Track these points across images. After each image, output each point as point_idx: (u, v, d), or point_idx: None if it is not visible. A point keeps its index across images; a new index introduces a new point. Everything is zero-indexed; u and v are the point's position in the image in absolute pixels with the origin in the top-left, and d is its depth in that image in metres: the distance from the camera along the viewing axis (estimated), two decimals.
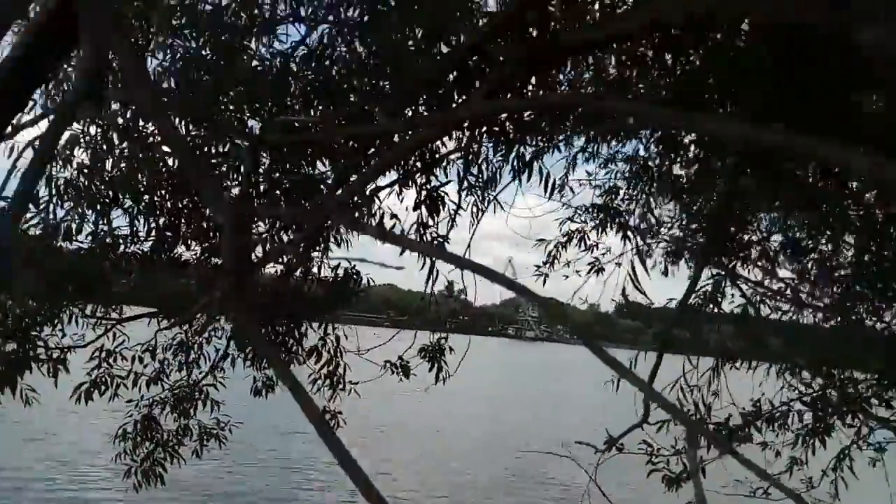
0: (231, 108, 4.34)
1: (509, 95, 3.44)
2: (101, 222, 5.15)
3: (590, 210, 6.87)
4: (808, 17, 2.38)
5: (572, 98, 2.79)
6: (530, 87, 4.04)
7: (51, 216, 5.08)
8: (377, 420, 21.34)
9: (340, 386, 6.42)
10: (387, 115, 3.66)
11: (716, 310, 6.02)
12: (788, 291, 5.83)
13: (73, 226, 5.21)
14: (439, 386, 6.10)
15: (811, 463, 6.36)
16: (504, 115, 5.46)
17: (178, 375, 6.64)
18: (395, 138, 3.41)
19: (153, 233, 5.36)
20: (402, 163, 5.53)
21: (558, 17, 3.61)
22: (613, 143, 6.37)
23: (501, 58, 2.90)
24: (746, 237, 6.01)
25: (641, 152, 6.27)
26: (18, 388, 5.72)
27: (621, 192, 6.82)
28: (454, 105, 3.46)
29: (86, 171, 5.03)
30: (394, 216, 5.30)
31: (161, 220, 5.29)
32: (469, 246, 6.28)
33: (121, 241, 5.42)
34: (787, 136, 1.98)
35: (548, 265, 7.30)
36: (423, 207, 5.12)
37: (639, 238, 6.34)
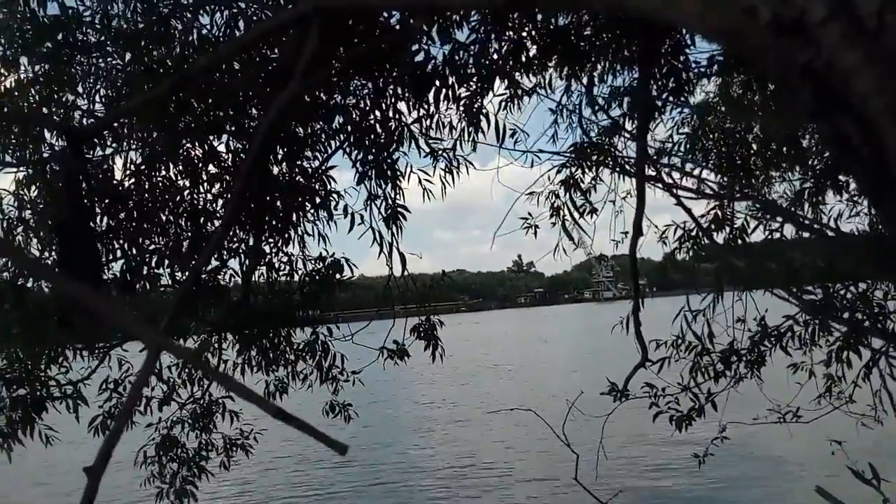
0: None
1: None
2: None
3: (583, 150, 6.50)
4: None
5: None
6: None
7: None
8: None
9: (344, 378, 6.31)
10: None
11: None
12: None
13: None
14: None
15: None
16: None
17: (188, 393, 6.70)
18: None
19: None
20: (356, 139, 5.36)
21: None
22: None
23: None
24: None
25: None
26: (37, 429, 5.89)
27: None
28: None
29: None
30: (334, 192, 5.14)
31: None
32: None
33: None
34: None
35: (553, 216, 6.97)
36: (367, 181, 4.94)
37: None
